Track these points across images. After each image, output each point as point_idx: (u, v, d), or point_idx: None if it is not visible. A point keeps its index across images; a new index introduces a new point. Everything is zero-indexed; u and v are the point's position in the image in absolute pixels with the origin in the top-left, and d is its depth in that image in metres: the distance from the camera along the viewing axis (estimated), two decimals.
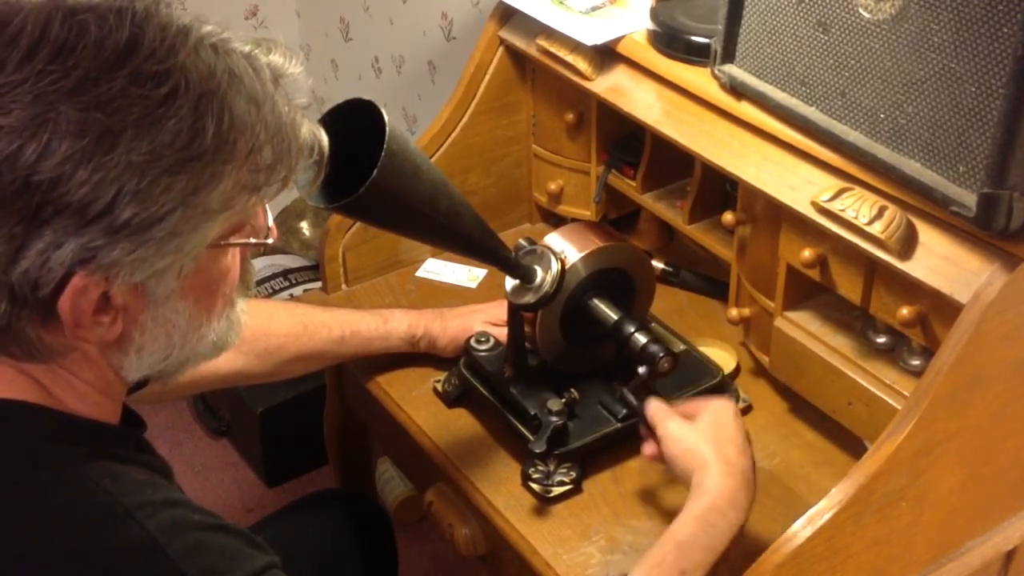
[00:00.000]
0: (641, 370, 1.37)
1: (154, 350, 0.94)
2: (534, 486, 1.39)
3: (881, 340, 1.35)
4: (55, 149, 0.81)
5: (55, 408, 0.93)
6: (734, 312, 1.52)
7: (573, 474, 1.40)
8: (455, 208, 1.27)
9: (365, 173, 1.14)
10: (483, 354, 1.50)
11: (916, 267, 1.19)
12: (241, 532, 0.95)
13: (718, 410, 1.28)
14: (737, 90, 1.38)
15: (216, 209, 0.88)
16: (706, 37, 1.42)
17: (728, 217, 1.46)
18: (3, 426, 0.91)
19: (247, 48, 0.91)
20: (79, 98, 0.81)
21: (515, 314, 1.43)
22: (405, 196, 1.19)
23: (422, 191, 1.21)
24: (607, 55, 1.56)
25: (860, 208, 1.22)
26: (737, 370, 1.58)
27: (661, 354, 1.35)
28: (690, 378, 1.49)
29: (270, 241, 0.98)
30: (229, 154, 0.87)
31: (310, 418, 2.02)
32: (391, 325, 1.55)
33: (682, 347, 1.54)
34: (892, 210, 1.21)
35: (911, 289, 1.23)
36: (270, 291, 2.43)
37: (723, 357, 1.58)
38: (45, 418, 0.92)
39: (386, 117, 1.15)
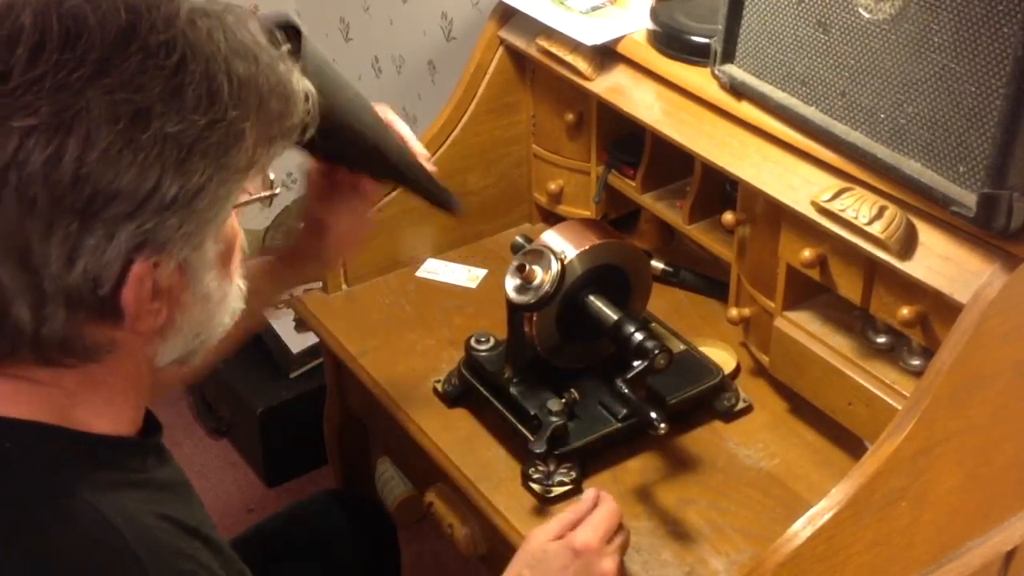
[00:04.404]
0: (636, 364, 1.36)
1: (190, 329, 0.93)
2: (534, 486, 1.39)
3: (881, 340, 1.35)
4: (96, 138, 0.80)
5: (71, 428, 0.90)
6: (734, 312, 1.52)
7: (573, 474, 1.40)
8: (380, 124, 1.25)
9: None
10: (483, 354, 1.50)
11: (916, 267, 1.19)
12: None
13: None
14: (737, 90, 1.38)
15: (244, 168, 0.88)
16: (706, 37, 1.42)
17: (728, 217, 1.46)
18: (15, 448, 0.88)
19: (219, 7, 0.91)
20: (102, 81, 0.80)
21: (515, 314, 1.43)
22: (334, 107, 1.17)
23: (348, 103, 1.20)
24: (607, 55, 1.56)
25: (860, 208, 1.22)
26: (737, 370, 1.58)
27: (656, 350, 1.35)
28: (690, 378, 1.49)
29: (278, 191, 0.98)
30: (244, 111, 0.87)
31: (310, 418, 2.02)
32: None
33: (682, 347, 1.54)
34: (892, 210, 1.21)
35: (911, 289, 1.23)
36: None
37: (723, 357, 1.58)
38: (60, 439, 0.90)
39: (303, 31, 1.14)
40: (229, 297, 0.96)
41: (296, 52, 1.13)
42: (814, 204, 1.27)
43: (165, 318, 0.89)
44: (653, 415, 1.31)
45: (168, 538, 0.90)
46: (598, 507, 1.26)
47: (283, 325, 2.34)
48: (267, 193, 0.97)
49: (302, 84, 0.95)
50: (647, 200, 1.68)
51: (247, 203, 0.95)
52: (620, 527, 1.26)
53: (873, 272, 1.28)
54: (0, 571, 0.85)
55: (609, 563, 1.22)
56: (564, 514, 1.26)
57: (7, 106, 0.79)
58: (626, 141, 1.69)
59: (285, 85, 0.91)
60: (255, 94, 0.88)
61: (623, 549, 1.26)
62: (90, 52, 0.81)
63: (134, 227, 0.82)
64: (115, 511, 0.87)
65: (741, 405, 1.51)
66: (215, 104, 0.84)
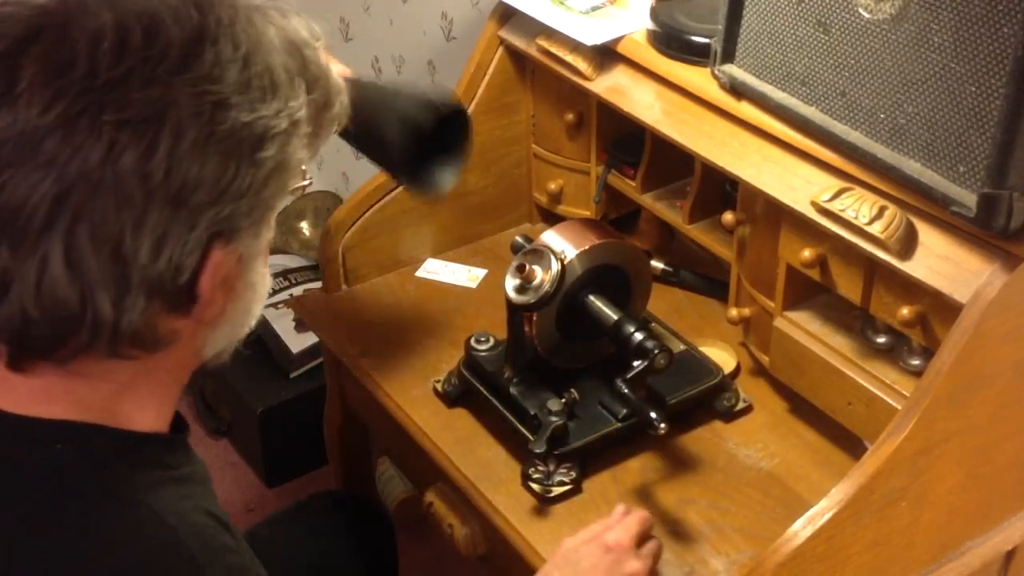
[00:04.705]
0: (636, 364, 1.36)
1: (235, 319, 0.95)
2: (534, 486, 1.39)
3: (881, 340, 1.35)
4: (185, 130, 0.82)
5: (114, 426, 0.91)
6: (734, 312, 1.52)
7: (573, 474, 1.40)
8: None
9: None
10: (483, 354, 1.50)
11: (916, 267, 1.19)
12: None
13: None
14: (737, 90, 1.38)
15: (300, 157, 0.92)
16: (706, 37, 1.42)
17: (728, 217, 1.46)
18: (65, 450, 0.89)
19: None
20: (186, 75, 0.83)
21: (515, 314, 1.43)
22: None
23: None
24: (607, 55, 1.56)
25: (860, 208, 1.22)
26: (737, 370, 1.58)
27: (656, 350, 1.35)
28: (690, 378, 1.49)
29: (310, 181, 1.02)
30: (299, 101, 0.90)
31: (310, 418, 2.02)
32: None
33: (682, 347, 1.54)
34: (892, 210, 1.21)
35: (911, 289, 1.23)
36: (270, 291, 2.43)
37: (723, 357, 1.58)
38: (106, 438, 0.91)
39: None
40: (266, 286, 0.99)
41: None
42: (814, 204, 1.27)
43: (221, 307, 0.92)
44: (653, 415, 1.31)
45: (214, 532, 0.91)
46: (630, 513, 1.27)
47: (283, 325, 2.34)
48: (304, 183, 1.00)
49: (338, 76, 0.98)
50: (647, 200, 1.68)
51: (300, 188, 0.98)
52: (652, 537, 1.27)
53: (873, 272, 1.28)
54: (63, 573, 0.85)
55: (638, 564, 1.22)
56: (594, 524, 1.27)
57: (97, 101, 0.80)
58: (626, 141, 1.69)
59: (326, 78, 0.95)
60: (304, 85, 0.91)
61: (655, 557, 1.26)
62: (171, 47, 0.83)
63: (212, 215, 0.85)
64: (167, 509, 0.89)
65: (741, 405, 1.51)
66: (277, 95, 0.88)
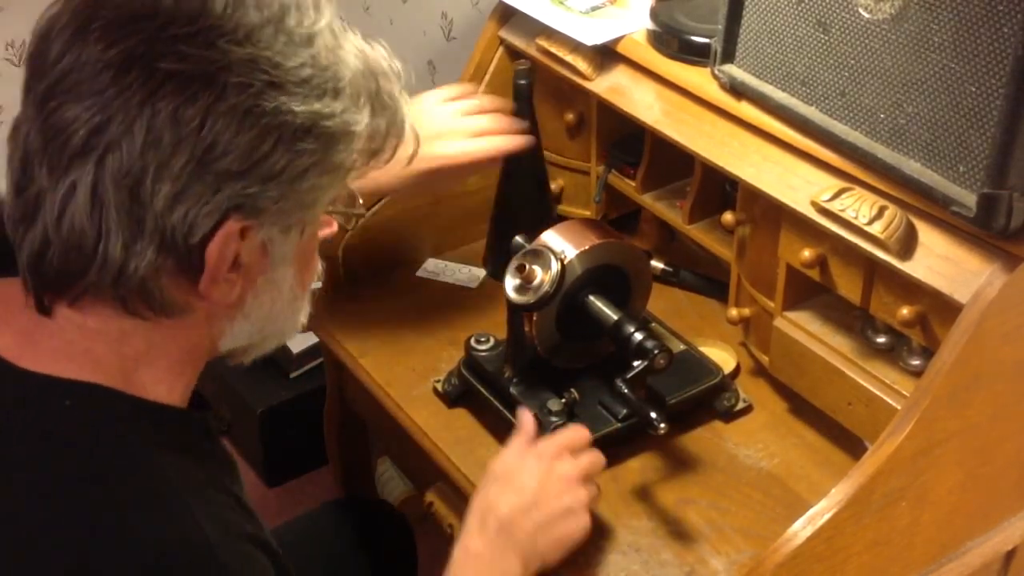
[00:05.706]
0: (636, 364, 1.36)
1: (256, 319, 0.97)
2: None
3: (881, 340, 1.35)
4: (228, 94, 0.85)
5: (128, 392, 0.93)
6: (734, 312, 1.52)
7: None
8: None
9: None
10: (483, 354, 1.50)
11: (916, 267, 1.19)
12: (279, 556, 0.98)
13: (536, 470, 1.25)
14: (737, 90, 1.38)
15: (347, 167, 0.94)
16: (706, 37, 1.42)
17: (728, 217, 1.46)
18: (76, 406, 0.91)
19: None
20: (247, 50, 0.86)
21: (515, 314, 1.43)
22: None
23: None
24: (607, 55, 1.56)
25: (860, 208, 1.22)
26: (737, 370, 1.58)
27: (656, 350, 1.35)
28: (690, 378, 1.49)
29: (364, 212, 1.06)
30: (358, 115, 0.93)
31: (310, 418, 2.02)
32: None
33: (682, 347, 1.54)
34: (892, 210, 1.21)
35: (911, 289, 1.23)
36: None
37: (723, 357, 1.58)
38: (120, 402, 0.93)
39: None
40: (298, 306, 1.01)
41: None
42: (814, 204, 1.27)
43: (238, 295, 0.93)
44: (653, 415, 1.31)
45: (229, 500, 0.93)
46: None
47: None
48: (356, 210, 1.03)
49: (408, 114, 1.01)
50: (647, 200, 1.68)
51: (334, 212, 1.01)
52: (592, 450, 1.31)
53: (873, 272, 1.28)
54: (69, 530, 0.86)
55: (569, 467, 1.25)
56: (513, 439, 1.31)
57: (159, 51, 0.85)
58: (626, 141, 1.69)
59: (395, 110, 0.98)
60: (370, 107, 0.94)
61: (591, 469, 1.28)
62: (244, 23, 0.87)
63: (238, 187, 0.87)
64: (178, 475, 0.90)
65: (741, 405, 1.51)
66: (337, 99, 0.90)
